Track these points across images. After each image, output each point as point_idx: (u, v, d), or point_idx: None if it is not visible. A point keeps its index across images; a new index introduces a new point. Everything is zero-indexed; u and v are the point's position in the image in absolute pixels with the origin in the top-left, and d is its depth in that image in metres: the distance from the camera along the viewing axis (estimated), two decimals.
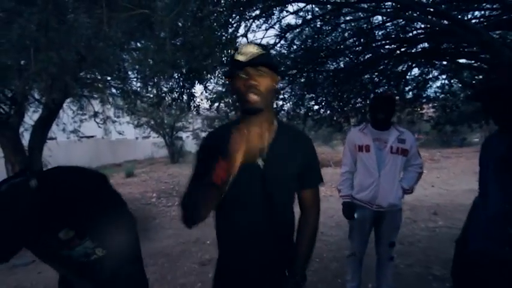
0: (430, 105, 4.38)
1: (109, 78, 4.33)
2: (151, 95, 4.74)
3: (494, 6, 2.44)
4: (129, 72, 4.27)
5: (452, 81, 3.71)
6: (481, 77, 3.09)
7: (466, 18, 2.70)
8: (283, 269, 1.02)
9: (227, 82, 1.22)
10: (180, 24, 2.26)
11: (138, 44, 3.35)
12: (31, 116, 4.40)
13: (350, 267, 2.19)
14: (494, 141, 1.27)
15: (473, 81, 3.32)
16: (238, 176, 0.93)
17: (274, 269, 1.01)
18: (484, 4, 2.55)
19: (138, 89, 4.70)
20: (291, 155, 0.99)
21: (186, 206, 0.90)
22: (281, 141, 0.99)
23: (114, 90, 4.98)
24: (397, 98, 3.57)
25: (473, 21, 2.66)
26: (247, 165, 0.93)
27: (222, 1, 2.19)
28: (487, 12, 2.65)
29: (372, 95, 3.53)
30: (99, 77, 3.90)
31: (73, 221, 0.94)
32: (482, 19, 2.67)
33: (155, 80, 2.95)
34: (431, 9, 2.15)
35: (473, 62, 3.02)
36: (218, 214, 1.04)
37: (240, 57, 0.86)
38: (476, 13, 2.77)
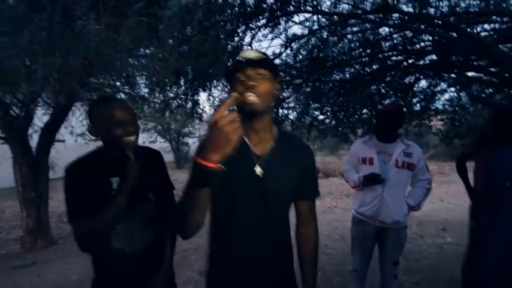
0: (439, 117, 4.30)
1: (117, 83, 4.40)
2: (158, 101, 4.80)
3: (504, 19, 2.39)
4: (137, 78, 4.34)
5: (461, 94, 3.64)
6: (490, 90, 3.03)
7: (475, 31, 2.66)
8: (281, 279, 0.99)
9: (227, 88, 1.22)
10: (187, 32, 2.30)
11: (147, 51, 3.42)
12: (41, 118, 4.50)
13: (352, 282, 2.12)
14: (508, 157, 1.19)
15: (482, 95, 3.25)
16: (236, 185, 0.92)
17: (271, 278, 0.97)
18: (493, 17, 2.52)
19: (146, 94, 4.77)
20: (291, 165, 0.96)
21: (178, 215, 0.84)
22: (281, 150, 0.96)
23: (122, 95, 5.06)
24: (404, 110, 3.51)
25: (483, 34, 2.62)
26: (245, 174, 0.92)
27: (229, 11, 2.22)
28: (496, 25, 2.61)
29: (379, 106, 3.49)
30: (106, 82, 3.97)
31: (155, 177, 1.17)
32: (491, 32, 2.63)
33: (160, 86, 2.98)
34: (439, 22, 2.13)
35: (482, 75, 2.97)
36: (213, 225, 1.01)
37: (239, 59, 0.87)
38: (486, 26, 2.73)
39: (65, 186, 1.03)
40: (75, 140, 6.27)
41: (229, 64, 2.38)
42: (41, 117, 4.52)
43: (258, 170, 0.92)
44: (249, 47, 2.64)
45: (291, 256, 1.03)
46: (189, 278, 3.00)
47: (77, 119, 5.57)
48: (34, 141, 4.38)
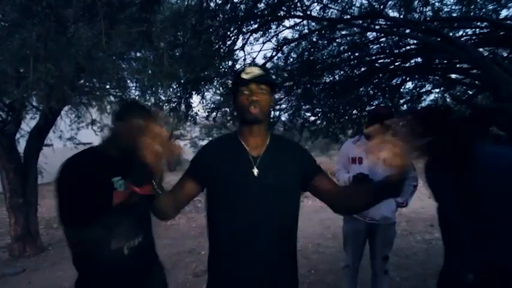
0: None
1: (108, 86, 4.36)
2: (150, 104, 4.78)
3: (484, 24, 2.52)
4: (128, 81, 4.31)
5: (445, 95, 3.79)
6: (471, 92, 3.17)
7: (457, 35, 2.79)
8: (282, 278, 1.00)
9: (230, 96, 1.29)
10: (179, 36, 2.32)
11: (138, 54, 3.41)
12: (28, 123, 4.39)
13: (345, 279, 2.18)
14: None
15: (465, 96, 3.39)
16: (235, 185, 0.98)
17: (271, 278, 0.98)
18: (474, 22, 2.64)
19: (137, 97, 4.74)
20: (286, 161, 1.04)
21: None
22: (274, 149, 1.05)
23: (112, 98, 5.00)
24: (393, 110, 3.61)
25: (465, 38, 2.75)
26: (244, 174, 0.99)
27: (220, 15, 2.25)
28: (477, 30, 2.74)
29: (369, 109, 3.59)
30: (97, 85, 3.93)
31: None
32: (473, 36, 2.76)
33: (153, 89, 2.99)
34: (423, 27, 2.23)
35: (464, 77, 3.10)
36: (212, 224, 1.04)
37: (245, 76, 0.98)
38: (468, 30, 2.86)
39: (60, 187, 0.96)
40: (63, 144, 6.14)
41: (223, 68, 2.41)
42: (28, 121, 4.42)
43: (255, 170, 0.99)
44: (242, 51, 2.69)
45: (294, 251, 1.05)
46: (184, 281, 3.00)
47: (66, 123, 5.47)
48: (21, 146, 4.27)
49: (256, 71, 0.99)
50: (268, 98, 1.01)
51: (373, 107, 3.52)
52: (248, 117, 0.99)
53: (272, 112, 3.75)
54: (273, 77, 3.08)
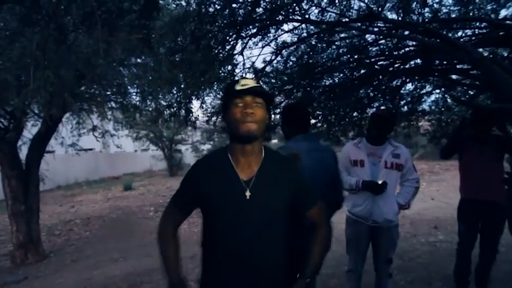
0: (426, 118, 4.43)
1: (108, 92, 4.39)
2: (150, 109, 4.80)
3: (483, 24, 2.52)
4: (129, 87, 4.34)
5: (446, 95, 3.77)
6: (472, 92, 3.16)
7: (457, 36, 2.78)
8: None
9: (221, 114, 1.32)
10: (178, 42, 2.33)
11: (138, 60, 3.43)
12: (30, 130, 4.42)
13: (348, 283, 2.16)
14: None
15: (466, 97, 3.37)
16: (224, 209, 0.94)
17: None
18: (473, 23, 2.64)
19: (138, 103, 4.76)
20: (279, 183, 0.99)
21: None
22: (268, 170, 0.98)
23: (113, 104, 5.04)
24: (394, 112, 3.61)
25: (464, 38, 2.75)
26: (234, 198, 0.94)
27: (219, 20, 2.26)
28: (477, 30, 2.74)
29: (369, 111, 3.60)
30: (98, 92, 3.95)
31: None
32: (473, 37, 2.75)
33: (153, 95, 3.00)
34: (422, 28, 2.23)
35: (464, 78, 3.09)
36: (205, 246, 1.02)
37: (240, 87, 0.90)
38: (467, 31, 2.86)
39: None
40: (65, 151, 6.16)
41: (222, 73, 2.42)
42: (29, 128, 4.44)
43: (247, 193, 0.94)
44: (241, 55, 2.70)
45: (283, 263, 1.03)
46: None
47: (67, 129, 5.49)
48: (23, 153, 4.29)
49: (251, 83, 0.91)
50: (264, 112, 0.93)
51: (375, 110, 3.52)
52: (242, 132, 0.90)
53: (273, 116, 3.75)
54: (273, 81, 3.09)
